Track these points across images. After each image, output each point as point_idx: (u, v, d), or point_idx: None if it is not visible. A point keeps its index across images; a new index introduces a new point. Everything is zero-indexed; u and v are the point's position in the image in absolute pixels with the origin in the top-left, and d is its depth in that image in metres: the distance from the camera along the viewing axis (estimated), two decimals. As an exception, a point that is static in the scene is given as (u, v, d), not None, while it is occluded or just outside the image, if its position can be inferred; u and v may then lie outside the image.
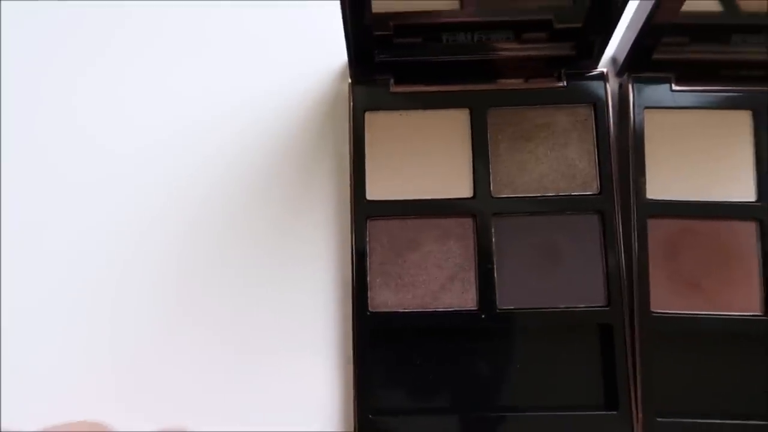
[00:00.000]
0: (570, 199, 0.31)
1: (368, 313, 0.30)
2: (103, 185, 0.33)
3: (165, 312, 0.32)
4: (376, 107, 0.32)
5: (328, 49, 0.33)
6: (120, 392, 0.31)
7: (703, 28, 0.31)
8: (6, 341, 0.32)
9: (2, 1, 0.35)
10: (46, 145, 0.33)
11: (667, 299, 0.30)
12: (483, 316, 0.30)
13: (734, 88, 0.31)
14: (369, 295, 0.30)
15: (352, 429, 0.30)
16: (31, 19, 0.35)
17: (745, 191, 0.31)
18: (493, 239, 0.31)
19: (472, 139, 0.31)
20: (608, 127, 0.31)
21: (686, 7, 0.28)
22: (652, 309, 0.30)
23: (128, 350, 0.31)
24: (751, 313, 0.30)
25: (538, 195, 0.31)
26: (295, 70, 0.33)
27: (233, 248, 0.32)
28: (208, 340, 0.31)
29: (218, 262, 0.32)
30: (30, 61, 0.34)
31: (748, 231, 0.30)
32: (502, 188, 0.31)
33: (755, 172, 0.31)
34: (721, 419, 0.29)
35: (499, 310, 0.30)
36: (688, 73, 0.31)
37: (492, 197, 0.31)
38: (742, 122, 0.31)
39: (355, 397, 0.30)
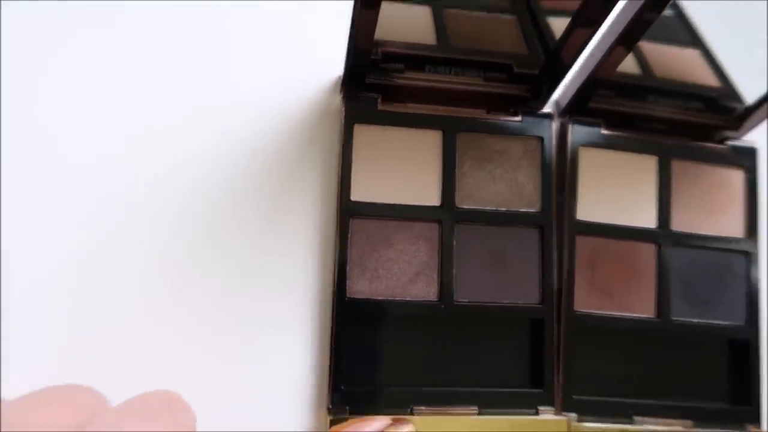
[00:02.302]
0: (517, 214, 0.37)
1: (346, 299, 0.35)
2: (98, 183, 0.35)
3: (153, 298, 0.34)
4: (364, 121, 0.36)
5: (322, 65, 0.37)
6: (108, 362, 0.33)
7: (627, 87, 0.38)
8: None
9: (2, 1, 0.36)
10: (40, 142, 0.35)
11: (586, 301, 0.37)
12: (442, 306, 0.35)
13: (647, 137, 0.39)
14: (347, 284, 0.35)
15: (326, 394, 0.34)
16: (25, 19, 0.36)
17: (648, 219, 0.38)
18: (454, 243, 0.36)
19: (443, 156, 0.37)
20: (551, 158, 0.38)
21: (618, 68, 0.35)
22: (575, 308, 0.37)
23: (114, 325, 0.34)
24: (647, 315, 0.37)
25: (493, 209, 0.37)
26: (292, 82, 0.37)
27: (227, 239, 0.35)
28: (199, 320, 0.34)
29: (210, 252, 0.35)
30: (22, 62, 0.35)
31: (648, 251, 0.38)
32: (464, 200, 0.37)
33: (656, 205, 0.38)
34: (623, 398, 0.37)
35: (456, 302, 0.36)
36: (614, 121, 0.38)
37: (456, 208, 0.36)
38: (649, 165, 0.39)
39: (330, 370, 0.34)
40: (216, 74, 0.37)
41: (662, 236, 0.38)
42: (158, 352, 0.34)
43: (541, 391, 0.36)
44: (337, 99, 0.37)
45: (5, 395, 0.26)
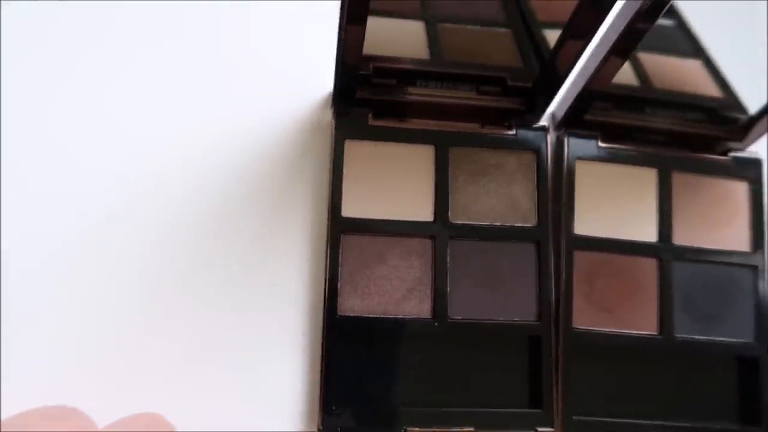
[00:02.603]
0: (513, 229, 0.36)
1: (337, 317, 0.34)
2: (91, 192, 0.35)
3: (141, 316, 0.34)
4: (355, 137, 0.36)
5: (314, 80, 0.37)
6: (94, 382, 0.33)
7: (624, 98, 0.37)
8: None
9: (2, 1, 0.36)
10: (37, 146, 0.35)
11: (585, 317, 0.36)
12: (436, 324, 0.35)
13: (646, 149, 0.38)
14: (338, 301, 0.34)
15: (317, 415, 0.33)
16: (25, 19, 0.36)
17: (649, 234, 0.37)
18: (448, 259, 0.36)
19: (436, 171, 0.36)
20: (547, 171, 0.37)
21: (614, 79, 0.35)
22: (574, 325, 0.36)
23: (103, 344, 0.33)
24: (649, 332, 0.36)
25: (487, 224, 0.36)
26: (284, 98, 0.37)
27: (217, 255, 0.35)
28: (190, 337, 0.34)
29: (200, 269, 0.35)
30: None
31: (650, 266, 0.37)
32: (458, 215, 0.36)
33: (657, 219, 0.38)
34: (625, 419, 0.35)
35: (450, 319, 0.35)
36: (611, 133, 0.38)
37: (449, 223, 0.36)
38: (649, 178, 0.38)
39: (321, 390, 0.33)
40: (207, 89, 0.37)
41: (664, 250, 0.37)
42: (146, 369, 0.33)
43: (539, 411, 0.35)
44: (329, 114, 0.37)
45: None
